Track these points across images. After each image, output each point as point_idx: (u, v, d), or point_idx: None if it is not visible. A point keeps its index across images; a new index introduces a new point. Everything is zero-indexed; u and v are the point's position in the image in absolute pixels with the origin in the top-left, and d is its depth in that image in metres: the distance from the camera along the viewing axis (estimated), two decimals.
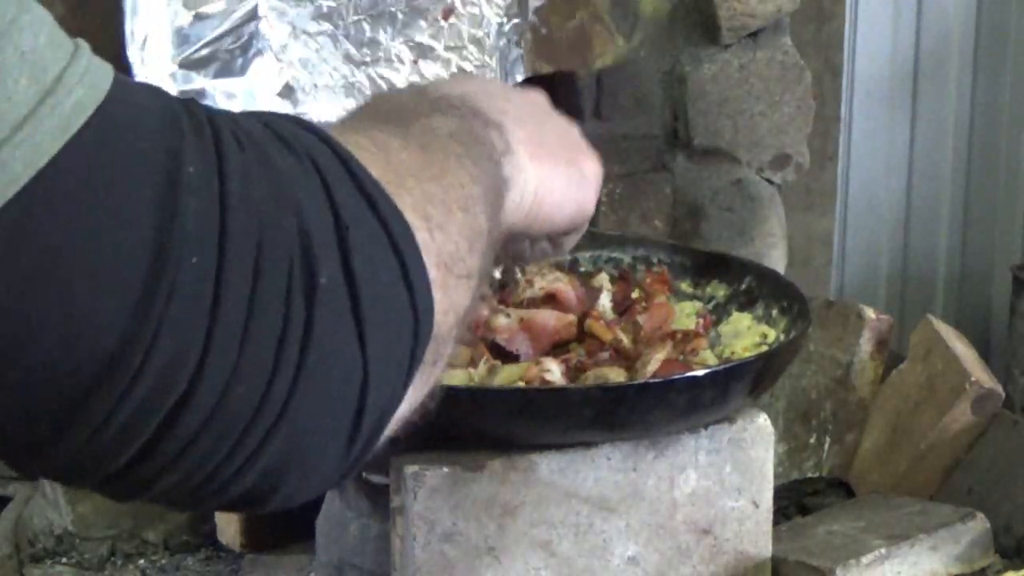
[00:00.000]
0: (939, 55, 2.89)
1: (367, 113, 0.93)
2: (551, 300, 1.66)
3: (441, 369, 0.84)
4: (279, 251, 0.71)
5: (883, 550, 1.74)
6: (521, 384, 1.57)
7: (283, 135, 0.76)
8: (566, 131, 1.14)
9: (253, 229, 0.71)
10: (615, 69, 2.15)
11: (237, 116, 0.77)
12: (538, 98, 1.14)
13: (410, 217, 0.78)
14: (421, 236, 0.78)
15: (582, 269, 1.83)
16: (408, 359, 0.78)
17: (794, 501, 2.04)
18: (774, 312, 1.78)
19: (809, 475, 2.05)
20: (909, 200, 2.96)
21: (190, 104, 0.74)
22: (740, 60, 2.19)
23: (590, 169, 1.13)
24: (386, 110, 0.92)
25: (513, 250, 1.20)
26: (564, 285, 1.66)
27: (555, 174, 1.04)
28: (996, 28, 2.90)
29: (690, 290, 1.90)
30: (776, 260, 2.21)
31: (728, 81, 2.19)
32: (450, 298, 0.81)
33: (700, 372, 1.58)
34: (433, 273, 0.78)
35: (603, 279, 1.77)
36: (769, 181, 2.25)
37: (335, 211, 0.74)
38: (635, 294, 1.76)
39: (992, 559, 1.83)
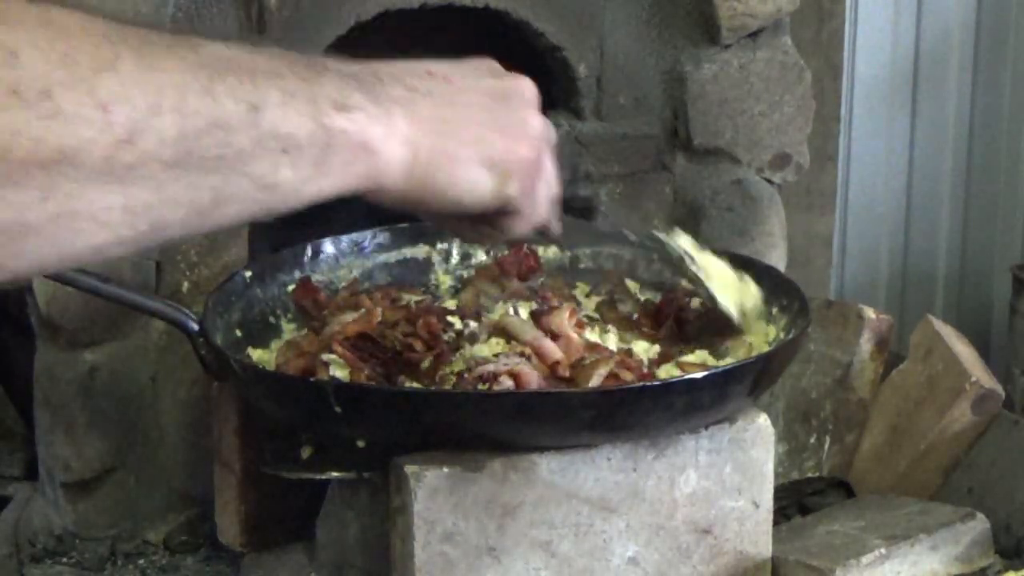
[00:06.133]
0: (939, 55, 2.89)
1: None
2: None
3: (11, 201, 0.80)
4: None
5: (883, 550, 1.74)
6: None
7: None
8: (502, 112, 1.07)
9: None
10: (615, 69, 2.15)
11: None
12: (475, 71, 1.07)
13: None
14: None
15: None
16: None
17: (794, 501, 2.04)
18: (774, 310, 1.78)
19: (809, 475, 2.05)
20: (909, 200, 2.96)
21: None
22: (740, 60, 2.19)
23: (519, 151, 1.06)
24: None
25: (452, 229, 1.27)
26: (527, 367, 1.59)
27: (454, 149, 1.01)
28: (996, 28, 2.90)
29: (689, 288, 1.89)
30: (776, 260, 2.21)
31: (728, 81, 2.19)
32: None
33: (699, 374, 1.58)
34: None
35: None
36: (769, 181, 2.25)
37: None
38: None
39: (992, 559, 1.83)
